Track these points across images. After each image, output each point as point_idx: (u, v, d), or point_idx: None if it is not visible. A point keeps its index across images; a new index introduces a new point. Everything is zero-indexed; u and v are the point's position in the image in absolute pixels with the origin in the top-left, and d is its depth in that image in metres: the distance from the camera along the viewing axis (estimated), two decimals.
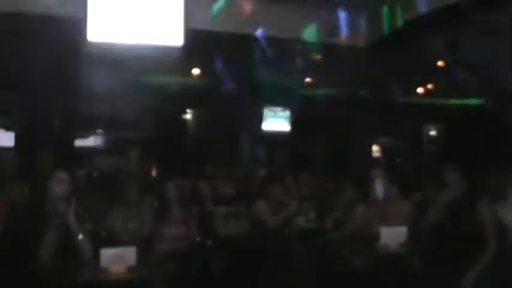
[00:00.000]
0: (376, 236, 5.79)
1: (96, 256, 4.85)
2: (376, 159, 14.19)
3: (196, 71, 11.13)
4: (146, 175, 9.60)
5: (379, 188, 6.15)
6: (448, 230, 5.14)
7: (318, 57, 10.13)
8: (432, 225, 5.40)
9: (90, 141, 13.04)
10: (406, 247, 5.70)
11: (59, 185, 4.57)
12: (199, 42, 8.25)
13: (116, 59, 8.63)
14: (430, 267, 5.31)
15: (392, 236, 5.80)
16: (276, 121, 13.77)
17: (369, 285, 5.67)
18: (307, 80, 12.28)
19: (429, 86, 13.73)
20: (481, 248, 4.90)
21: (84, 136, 12.86)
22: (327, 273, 6.26)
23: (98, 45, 7.19)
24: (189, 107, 13.55)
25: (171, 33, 7.48)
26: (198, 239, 6.66)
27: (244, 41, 9.08)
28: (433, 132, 16.33)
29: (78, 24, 7.03)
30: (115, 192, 6.99)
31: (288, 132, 13.73)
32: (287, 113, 13.84)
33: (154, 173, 10.25)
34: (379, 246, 5.78)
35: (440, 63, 11.32)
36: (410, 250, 5.70)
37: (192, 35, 7.58)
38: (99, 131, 13.04)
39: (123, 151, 9.90)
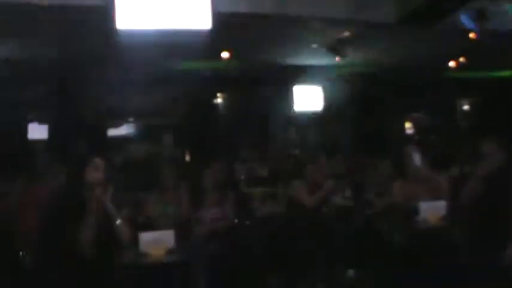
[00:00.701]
0: (416, 211, 5.75)
1: (135, 241, 4.88)
2: (410, 136, 14.06)
3: (225, 55, 11.06)
4: (181, 160, 9.66)
5: (415, 162, 6.09)
6: (488, 202, 5.03)
7: (347, 33, 9.98)
8: (472, 198, 5.28)
9: (124, 129, 13.11)
10: (446, 221, 5.65)
11: (96, 171, 4.59)
12: (227, 25, 8.20)
13: (144, 47, 8.63)
14: (470, 241, 5.24)
15: (432, 210, 5.76)
16: (308, 100, 13.62)
17: (410, 260, 5.63)
18: (338, 58, 12.11)
19: (461, 60, 13.45)
20: None
21: (118, 125, 12.92)
22: (366, 250, 6.23)
23: (127, 33, 7.19)
24: (220, 91, 13.51)
25: (199, 16, 7.46)
26: (236, 220, 6.66)
27: (272, 22, 8.99)
28: (467, 107, 16.08)
29: (106, 12, 7.03)
30: (151, 179, 7.03)
31: (321, 111, 13.59)
32: (319, 92, 13.68)
33: (188, 157, 10.29)
34: (419, 220, 5.73)
35: (471, 35, 11.07)
36: (450, 224, 5.64)
37: (220, 17, 7.54)
38: (132, 119, 13.09)
39: (157, 138, 9.96)
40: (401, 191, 6.25)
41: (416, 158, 6.13)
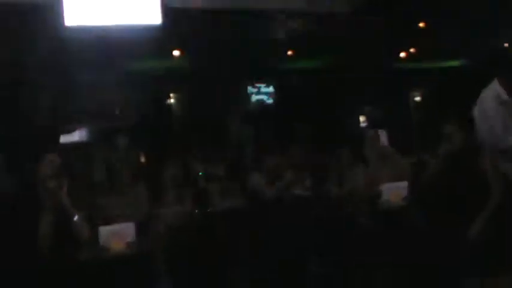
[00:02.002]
0: (379, 193, 5.79)
1: (95, 235, 4.76)
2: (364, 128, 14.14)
3: (177, 53, 10.95)
4: (136, 161, 9.51)
5: (374, 148, 6.15)
6: (450, 182, 5.05)
7: (300, 27, 9.95)
8: (434, 178, 5.30)
9: (78, 132, 12.85)
10: (407, 201, 5.71)
11: (49, 165, 4.45)
12: (178, 21, 8.10)
13: (95, 45, 8.47)
14: (433, 221, 5.24)
15: (394, 191, 5.83)
16: (261, 97, 13.69)
17: (374, 240, 5.65)
18: (290, 52, 12.13)
19: (412, 50, 13.62)
20: (485, 198, 4.82)
21: (71, 128, 12.66)
22: (331, 234, 6.24)
23: (75, 30, 7.03)
24: (172, 90, 13.38)
25: (148, 12, 7.36)
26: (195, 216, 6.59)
27: (224, 17, 8.91)
28: (419, 98, 16.24)
29: (54, 10, 6.85)
30: (107, 181, 6.91)
31: (274, 106, 13.66)
32: (271, 88, 13.74)
33: (144, 158, 10.14)
34: (381, 202, 5.78)
35: (422, 25, 11.19)
36: (412, 204, 5.68)
37: (170, 13, 7.45)
38: (84, 122, 12.83)
39: (111, 139, 9.78)
40: (362, 175, 6.30)
41: (382, 139, 6.19)
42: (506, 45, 13.11)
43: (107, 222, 5.93)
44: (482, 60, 13.18)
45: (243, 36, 10.14)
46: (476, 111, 5.26)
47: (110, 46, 8.77)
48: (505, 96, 5.09)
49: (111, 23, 7.08)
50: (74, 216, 4.38)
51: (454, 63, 15.25)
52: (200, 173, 8.16)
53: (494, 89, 5.23)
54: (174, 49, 10.76)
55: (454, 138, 5.22)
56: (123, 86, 11.94)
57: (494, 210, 4.78)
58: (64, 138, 12.04)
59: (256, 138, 11.71)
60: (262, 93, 13.71)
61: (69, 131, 12.30)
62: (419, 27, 11.12)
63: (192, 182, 7.72)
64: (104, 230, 4.88)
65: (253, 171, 7.45)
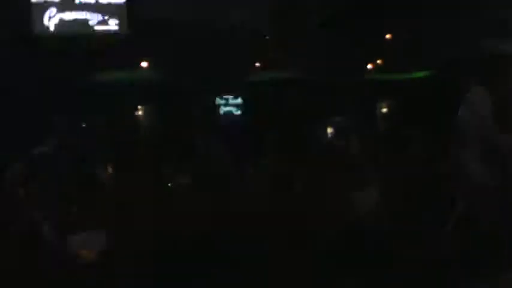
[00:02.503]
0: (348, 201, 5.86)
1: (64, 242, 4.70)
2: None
3: (144, 64, 10.90)
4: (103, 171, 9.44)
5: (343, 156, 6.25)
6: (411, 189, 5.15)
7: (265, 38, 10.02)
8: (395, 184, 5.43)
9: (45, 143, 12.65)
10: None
11: (17, 174, 4.42)
12: (146, 31, 8.08)
13: (62, 54, 8.40)
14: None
15: (361, 199, 5.87)
16: (229, 109, 13.71)
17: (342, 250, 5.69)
18: (258, 64, 12.18)
19: (378, 62, 13.77)
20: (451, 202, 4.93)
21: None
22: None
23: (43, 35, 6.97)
24: (139, 101, 13.29)
25: (115, 20, 7.34)
26: None
27: (192, 29, 8.90)
28: (385, 109, 16.34)
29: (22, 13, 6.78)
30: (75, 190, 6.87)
31: (242, 118, 13.70)
32: (239, 100, 13.77)
33: (112, 169, 10.05)
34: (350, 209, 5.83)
35: (388, 37, 11.34)
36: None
37: (138, 23, 7.43)
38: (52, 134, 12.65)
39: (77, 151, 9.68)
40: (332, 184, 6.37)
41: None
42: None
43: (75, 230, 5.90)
44: (449, 71, 13.44)
45: (211, 49, 10.15)
46: (464, 110, 5.41)
47: (76, 53, 8.69)
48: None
49: (78, 30, 7.05)
50: (42, 224, 4.34)
51: (419, 74, 15.45)
52: (169, 184, 8.14)
53: (479, 92, 5.42)
54: (142, 60, 10.70)
55: (415, 143, 5.32)
56: (89, 95, 11.83)
57: (457, 217, 4.89)
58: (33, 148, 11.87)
59: (224, 149, 11.68)
60: (230, 104, 13.73)
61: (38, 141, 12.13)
62: (386, 38, 11.28)
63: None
64: (73, 238, 4.81)
65: (221, 182, 7.46)
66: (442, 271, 4.51)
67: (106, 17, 7.22)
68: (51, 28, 6.96)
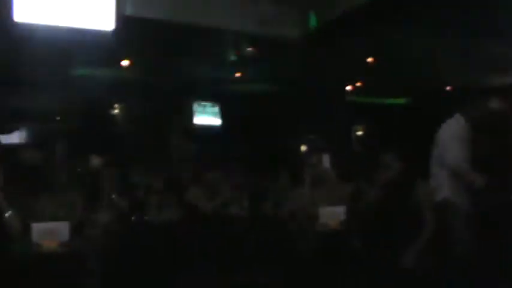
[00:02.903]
0: (316, 217, 5.89)
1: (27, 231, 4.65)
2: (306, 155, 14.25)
3: (126, 63, 10.84)
4: (74, 166, 9.39)
5: (315, 171, 6.27)
6: (386, 209, 5.19)
7: (249, 49, 10.00)
8: (371, 205, 5.47)
9: (15, 135, 12.57)
10: (345, 226, 5.81)
11: None
12: (131, 30, 8.02)
13: (43, 46, 8.31)
14: (370, 246, 5.35)
15: (331, 215, 5.90)
16: (206, 116, 13.73)
17: (312, 263, 5.72)
18: (238, 74, 12.18)
19: (358, 84, 13.85)
20: (419, 226, 4.99)
21: (9, 130, 12.37)
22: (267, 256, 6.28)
23: (24, 26, 6.88)
24: (118, 99, 13.25)
25: (101, 17, 7.26)
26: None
27: (177, 31, 8.87)
28: (361, 132, 16.47)
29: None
30: (42, 183, 6.80)
31: (218, 126, 13.73)
32: (216, 108, 13.80)
33: (84, 162, 10.02)
34: (319, 224, 5.86)
35: (369, 60, 11.40)
36: (350, 229, 5.78)
37: (124, 21, 7.37)
38: (24, 124, 12.57)
39: (49, 144, 9.63)
40: (300, 198, 6.40)
41: (325, 163, 6.32)
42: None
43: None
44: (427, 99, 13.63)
45: (194, 53, 10.13)
46: (444, 133, 5.57)
47: (58, 47, 8.61)
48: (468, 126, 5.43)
49: (62, 24, 6.96)
50: (6, 211, 4.29)
51: (400, 100, 15.63)
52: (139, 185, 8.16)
53: (461, 118, 5.57)
54: (124, 58, 10.65)
55: (392, 166, 5.38)
56: (67, 90, 11.78)
57: (428, 239, 4.97)
58: (1, 138, 11.78)
59: (198, 154, 11.72)
60: (207, 112, 13.75)
61: (7, 131, 12.04)
62: (368, 62, 11.33)
63: (130, 191, 7.72)
64: (37, 227, 4.76)
65: (191, 186, 7.52)
66: None
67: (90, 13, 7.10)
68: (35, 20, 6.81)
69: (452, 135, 5.54)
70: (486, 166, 5.67)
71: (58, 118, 12.63)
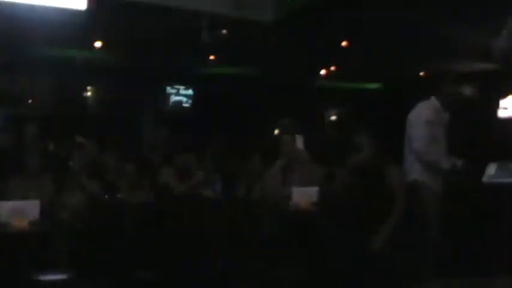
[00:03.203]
0: (289, 197, 5.93)
1: None
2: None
3: (98, 44, 10.71)
4: (44, 149, 9.30)
5: (289, 151, 6.32)
6: (358, 191, 5.23)
7: (223, 32, 9.93)
8: (343, 187, 5.52)
9: None
10: (317, 207, 5.86)
11: None
12: (104, 10, 7.93)
13: (11, 22, 8.17)
14: (341, 229, 5.38)
15: (304, 195, 5.96)
16: (179, 99, 13.67)
17: (282, 243, 5.75)
18: (212, 57, 12.12)
19: (332, 69, 13.85)
20: (390, 208, 5.04)
21: None
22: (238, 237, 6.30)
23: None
24: (89, 81, 13.11)
25: None
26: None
27: (150, 13, 8.77)
28: (334, 117, 16.48)
29: None
30: (13, 166, 6.77)
31: (191, 110, 13.69)
32: (190, 91, 13.74)
33: (52, 147, 9.92)
34: (291, 204, 5.91)
35: (344, 44, 11.37)
36: (321, 211, 5.83)
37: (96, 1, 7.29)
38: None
39: (19, 127, 9.52)
40: (271, 180, 6.42)
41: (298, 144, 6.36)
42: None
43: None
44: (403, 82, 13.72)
45: (167, 35, 10.03)
46: (412, 117, 5.67)
47: (28, 26, 8.48)
48: (441, 110, 5.52)
49: (33, 1, 6.88)
50: None
51: (373, 85, 15.70)
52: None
53: (433, 102, 5.66)
54: (96, 39, 10.52)
55: (364, 149, 5.42)
56: (37, 72, 11.64)
57: (397, 219, 5.02)
58: None
59: (171, 138, 11.65)
60: (180, 94, 13.68)
61: None
62: (342, 46, 11.31)
63: (101, 174, 7.67)
64: (5, 205, 4.70)
65: (163, 168, 7.52)
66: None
67: None
68: None
69: (418, 118, 5.62)
70: (460, 148, 5.78)
71: (29, 100, 12.42)
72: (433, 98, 5.75)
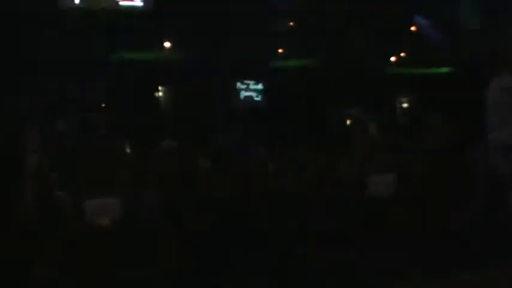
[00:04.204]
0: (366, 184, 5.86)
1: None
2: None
3: (167, 44, 10.83)
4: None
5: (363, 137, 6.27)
6: (436, 175, 5.10)
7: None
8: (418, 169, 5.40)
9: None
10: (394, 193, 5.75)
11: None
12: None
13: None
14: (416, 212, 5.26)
15: (380, 182, 5.87)
16: (250, 94, 13.68)
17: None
18: (281, 50, 12.11)
19: (402, 55, 13.65)
20: (468, 189, 4.88)
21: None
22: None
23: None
24: (160, 83, 13.25)
25: None
26: None
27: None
28: (406, 104, 16.20)
29: None
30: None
31: (263, 104, 13.67)
32: (260, 86, 13.72)
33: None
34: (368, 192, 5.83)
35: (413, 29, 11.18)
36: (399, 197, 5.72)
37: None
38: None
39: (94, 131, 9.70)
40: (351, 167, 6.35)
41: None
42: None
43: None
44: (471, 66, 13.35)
45: (237, 31, 10.06)
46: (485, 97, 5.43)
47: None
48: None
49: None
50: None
51: (443, 69, 15.34)
52: None
53: (501, 78, 5.39)
54: (165, 39, 10.63)
55: (437, 130, 5.26)
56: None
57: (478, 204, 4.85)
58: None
59: (243, 134, 11.67)
60: (251, 90, 13.69)
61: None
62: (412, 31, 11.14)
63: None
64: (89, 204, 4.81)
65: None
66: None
67: None
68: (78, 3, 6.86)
69: (489, 99, 5.36)
70: None
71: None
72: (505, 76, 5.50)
